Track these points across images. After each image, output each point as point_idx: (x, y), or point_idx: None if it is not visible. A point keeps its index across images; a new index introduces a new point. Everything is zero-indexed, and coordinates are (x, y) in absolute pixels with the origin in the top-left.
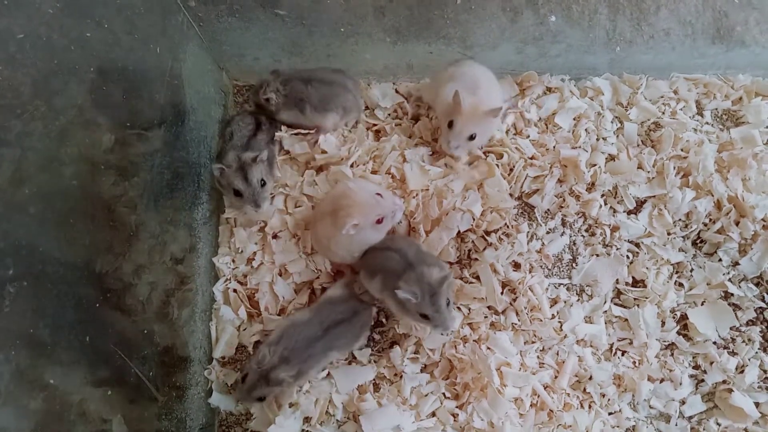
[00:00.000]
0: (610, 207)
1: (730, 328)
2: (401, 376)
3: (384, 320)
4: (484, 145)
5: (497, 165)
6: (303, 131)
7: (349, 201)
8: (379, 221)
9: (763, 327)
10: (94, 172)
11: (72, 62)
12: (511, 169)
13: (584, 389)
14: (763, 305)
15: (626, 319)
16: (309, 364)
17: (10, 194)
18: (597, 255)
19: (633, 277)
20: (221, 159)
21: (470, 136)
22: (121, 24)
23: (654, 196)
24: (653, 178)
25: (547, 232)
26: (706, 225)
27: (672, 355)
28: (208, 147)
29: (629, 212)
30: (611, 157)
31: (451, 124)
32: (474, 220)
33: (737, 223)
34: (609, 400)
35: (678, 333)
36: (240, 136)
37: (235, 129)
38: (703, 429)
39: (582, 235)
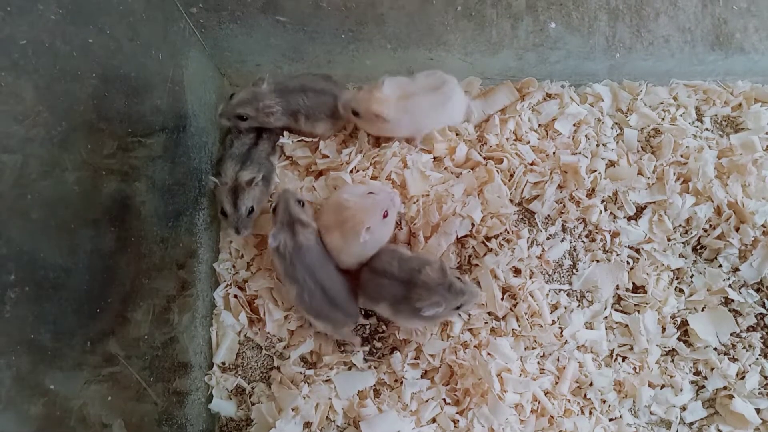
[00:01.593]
0: (610, 213)
1: (731, 334)
2: (401, 382)
3: (384, 327)
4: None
5: (497, 171)
6: (306, 138)
7: (350, 211)
8: (384, 215)
9: (764, 333)
10: (95, 177)
11: (74, 68)
12: (512, 175)
13: (585, 395)
14: (764, 311)
15: (627, 325)
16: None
17: (12, 200)
18: (597, 261)
19: (633, 283)
20: (220, 167)
21: (354, 111)
22: (123, 30)
23: (654, 202)
24: (653, 184)
25: (548, 238)
26: (706, 231)
27: (672, 361)
28: (209, 153)
29: (629, 218)
30: (611, 163)
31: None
32: (474, 225)
33: (737, 229)
34: (610, 406)
35: (678, 339)
36: (240, 144)
37: (235, 137)
38: None
39: (582, 241)
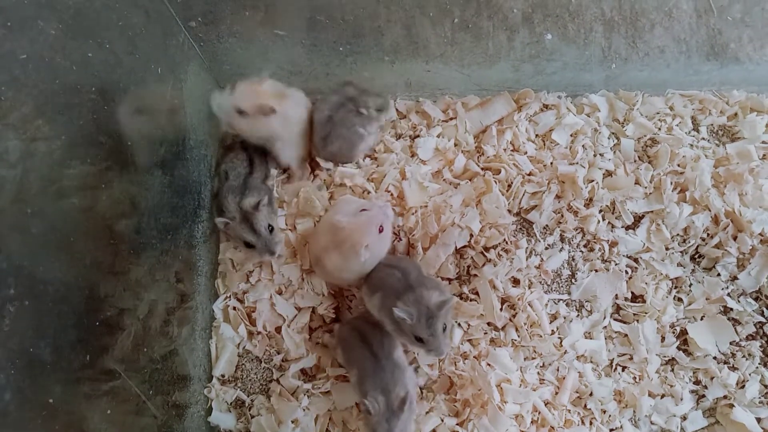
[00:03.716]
0: (608, 222)
1: (730, 343)
2: None
3: None
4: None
5: (495, 181)
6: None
7: (345, 232)
8: (380, 230)
9: (763, 341)
10: (95, 191)
11: (74, 82)
12: (509, 185)
13: (585, 405)
14: (763, 320)
15: (626, 335)
16: None
17: (12, 214)
18: (596, 270)
19: (632, 293)
20: (220, 203)
21: (239, 110)
22: (122, 45)
23: (652, 212)
24: (650, 193)
25: (546, 248)
26: (703, 240)
27: (672, 370)
28: (208, 165)
29: (627, 227)
30: (608, 173)
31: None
32: (472, 236)
33: (735, 238)
34: (610, 416)
35: (678, 348)
36: (235, 174)
37: (229, 167)
38: None
39: (581, 251)
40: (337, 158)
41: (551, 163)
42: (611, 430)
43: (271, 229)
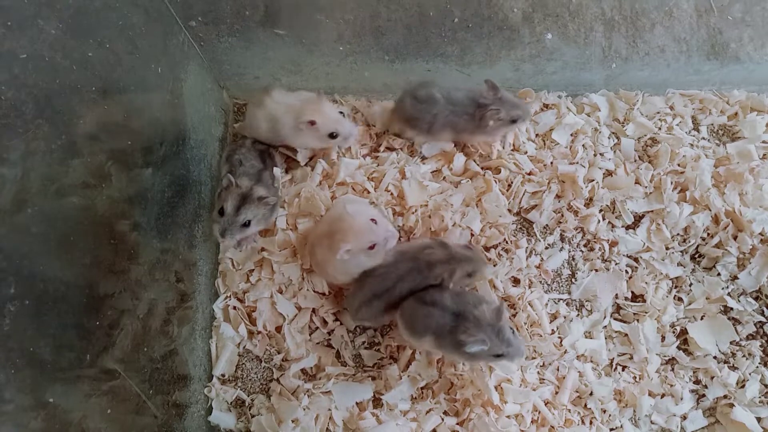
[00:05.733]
0: (609, 222)
1: (730, 343)
2: None
3: (380, 338)
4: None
5: (495, 181)
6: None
7: (345, 225)
8: (371, 247)
9: (763, 341)
10: (95, 190)
11: (74, 82)
12: (510, 185)
13: (585, 405)
14: (763, 319)
15: (626, 334)
16: None
17: (12, 214)
18: (596, 270)
19: (632, 292)
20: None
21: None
22: (122, 44)
23: (652, 211)
24: (651, 193)
25: (546, 248)
26: (704, 239)
27: (672, 369)
28: (208, 165)
29: (627, 227)
30: (609, 173)
31: (333, 135)
32: (473, 235)
33: (735, 238)
34: (610, 415)
35: (678, 348)
36: (250, 165)
37: (243, 157)
38: None
39: (581, 250)
40: (397, 126)
41: (551, 163)
42: (611, 429)
43: (246, 223)
